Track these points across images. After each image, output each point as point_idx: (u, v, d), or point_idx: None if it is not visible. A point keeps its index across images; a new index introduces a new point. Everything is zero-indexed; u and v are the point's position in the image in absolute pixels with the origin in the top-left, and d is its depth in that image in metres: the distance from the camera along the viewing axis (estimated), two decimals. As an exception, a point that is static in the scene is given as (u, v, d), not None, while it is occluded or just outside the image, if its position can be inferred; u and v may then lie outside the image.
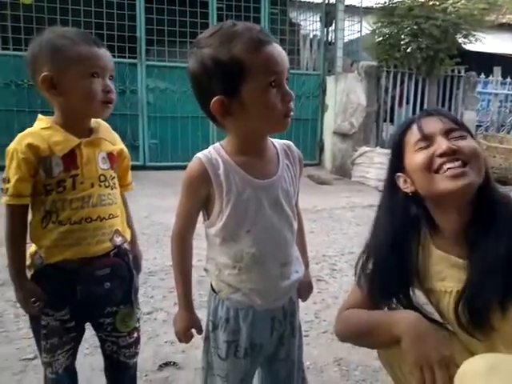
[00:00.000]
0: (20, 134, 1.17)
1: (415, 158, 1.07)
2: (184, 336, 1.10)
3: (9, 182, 1.14)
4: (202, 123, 6.08)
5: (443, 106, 6.54)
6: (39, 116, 1.23)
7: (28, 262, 1.21)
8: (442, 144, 1.03)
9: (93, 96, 1.15)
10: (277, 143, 1.08)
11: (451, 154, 1.01)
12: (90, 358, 1.75)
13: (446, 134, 1.05)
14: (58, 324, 1.23)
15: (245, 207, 0.99)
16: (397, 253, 1.11)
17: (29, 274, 1.22)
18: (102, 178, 1.22)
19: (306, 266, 1.22)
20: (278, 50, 0.93)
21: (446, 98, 6.65)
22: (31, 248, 1.21)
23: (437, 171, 1.03)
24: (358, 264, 1.20)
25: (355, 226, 3.99)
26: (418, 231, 1.14)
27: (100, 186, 1.21)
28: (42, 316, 1.22)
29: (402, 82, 6.45)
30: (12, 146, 1.15)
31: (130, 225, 1.40)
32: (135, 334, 1.36)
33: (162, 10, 5.82)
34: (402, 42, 6.29)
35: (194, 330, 1.11)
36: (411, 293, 1.14)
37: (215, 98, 0.92)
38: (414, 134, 1.09)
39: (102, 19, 5.57)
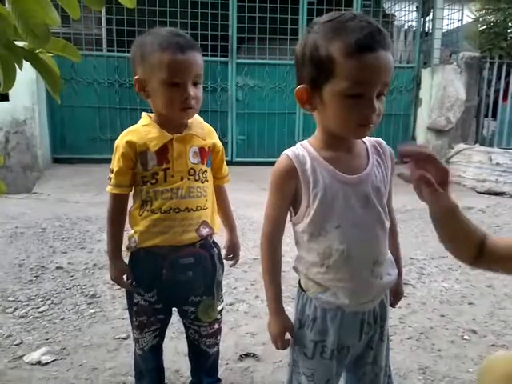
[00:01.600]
0: (124, 131, 1.30)
1: None
2: (281, 341, 1.07)
3: (112, 172, 1.28)
4: (288, 119, 6.10)
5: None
6: (143, 114, 1.33)
7: (126, 243, 1.34)
8: None
9: (170, 104, 1.21)
10: (367, 140, 1.04)
11: None
12: (175, 342, 1.85)
13: None
14: (146, 304, 1.33)
15: (332, 201, 0.97)
16: None
17: (127, 254, 1.35)
18: (192, 171, 1.28)
19: (399, 273, 1.17)
20: (378, 60, 0.86)
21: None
22: (130, 232, 1.33)
23: None
24: None
25: (448, 228, 3.74)
26: None
27: (189, 179, 1.28)
28: (134, 294, 1.34)
29: (508, 74, 5.90)
30: (117, 141, 1.29)
31: (228, 214, 1.47)
32: (216, 325, 1.42)
33: (254, 8, 5.92)
34: (509, 31, 5.76)
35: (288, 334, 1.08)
36: None
37: (300, 86, 0.94)
38: None
39: (196, 19, 5.81)
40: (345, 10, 6.06)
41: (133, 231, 1.32)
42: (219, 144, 1.38)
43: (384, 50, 0.87)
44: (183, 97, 1.20)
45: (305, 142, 1.02)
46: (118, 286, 1.39)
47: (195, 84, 1.23)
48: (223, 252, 1.47)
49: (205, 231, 1.32)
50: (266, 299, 1.08)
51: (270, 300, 1.07)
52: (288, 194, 1.00)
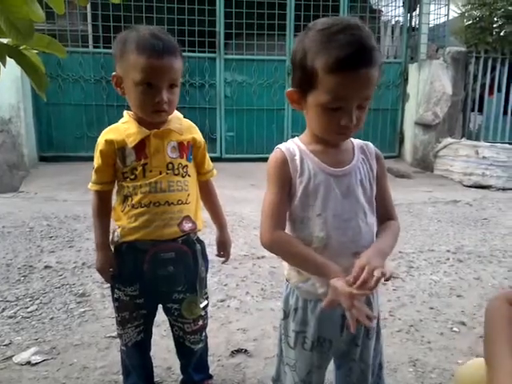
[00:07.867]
0: (105, 129, 1.31)
1: None
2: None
3: (94, 170, 1.30)
4: (277, 116, 6.10)
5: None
6: (125, 111, 1.34)
7: (111, 237, 1.35)
8: None
9: (143, 106, 1.22)
10: (354, 140, 1.10)
11: None
12: (166, 340, 1.84)
13: None
14: (128, 299, 1.34)
15: (315, 191, 1.01)
16: None
17: (112, 248, 1.36)
18: (170, 165, 1.29)
19: None
20: (358, 78, 0.89)
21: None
22: (114, 227, 1.34)
23: None
24: None
25: (436, 222, 3.79)
26: None
27: (167, 173, 1.28)
28: (115, 290, 1.35)
29: (494, 69, 5.96)
30: (98, 139, 1.30)
31: (217, 210, 1.47)
32: (200, 322, 1.42)
33: (241, 3, 5.89)
34: (494, 25, 5.82)
35: None
36: None
37: (291, 89, 1.01)
38: None
39: (183, 15, 5.76)
40: (332, 5, 6.07)
41: (116, 226, 1.33)
42: (200, 139, 1.37)
43: (366, 67, 0.89)
44: (156, 100, 1.20)
45: (296, 138, 1.09)
46: (108, 285, 1.39)
47: (171, 86, 1.22)
48: (214, 249, 1.46)
49: (187, 226, 1.31)
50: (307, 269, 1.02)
51: (313, 268, 1.00)
52: (285, 180, 1.02)
